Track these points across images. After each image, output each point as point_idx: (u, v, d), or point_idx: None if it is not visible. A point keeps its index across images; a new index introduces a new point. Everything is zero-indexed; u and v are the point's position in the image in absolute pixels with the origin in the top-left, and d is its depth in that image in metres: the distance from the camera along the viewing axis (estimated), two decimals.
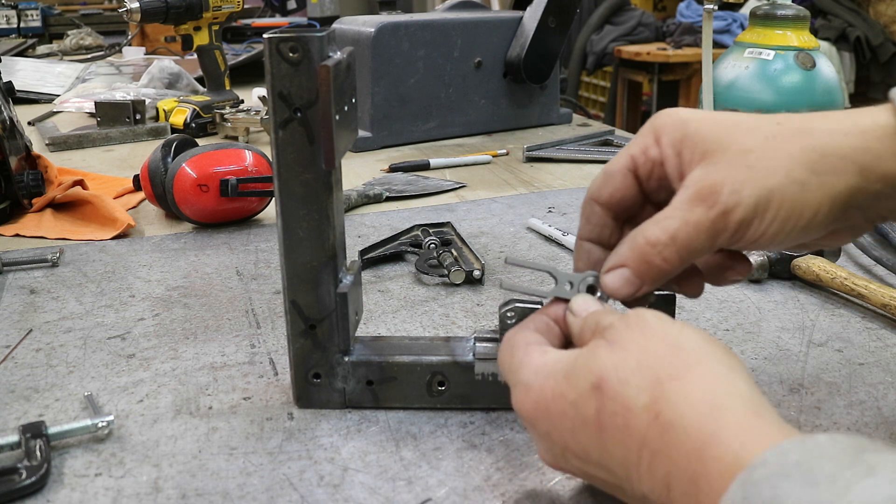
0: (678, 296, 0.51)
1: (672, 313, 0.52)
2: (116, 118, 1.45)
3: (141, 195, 1.04)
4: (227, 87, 1.55)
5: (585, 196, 0.48)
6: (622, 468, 0.37)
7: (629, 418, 0.36)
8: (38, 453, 0.48)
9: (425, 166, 1.19)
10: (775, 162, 0.41)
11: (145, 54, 2.52)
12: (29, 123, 1.54)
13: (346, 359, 0.53)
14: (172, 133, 1.44)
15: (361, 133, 1.31)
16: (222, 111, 1.40)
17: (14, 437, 0.49)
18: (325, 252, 0.51)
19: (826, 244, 0.47)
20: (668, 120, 0.44)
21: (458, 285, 0.76)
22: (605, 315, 0.42)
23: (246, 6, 1.64)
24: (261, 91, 1.65)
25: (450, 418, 0.53)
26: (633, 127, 4.02)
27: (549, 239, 0.88)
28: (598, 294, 0.47)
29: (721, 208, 0.41)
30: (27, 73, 1.99)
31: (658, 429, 0.35)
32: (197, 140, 1.03)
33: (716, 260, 0.48)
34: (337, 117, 0.48)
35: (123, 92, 1.62)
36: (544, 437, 0.41)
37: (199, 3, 1.44)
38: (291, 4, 3.28)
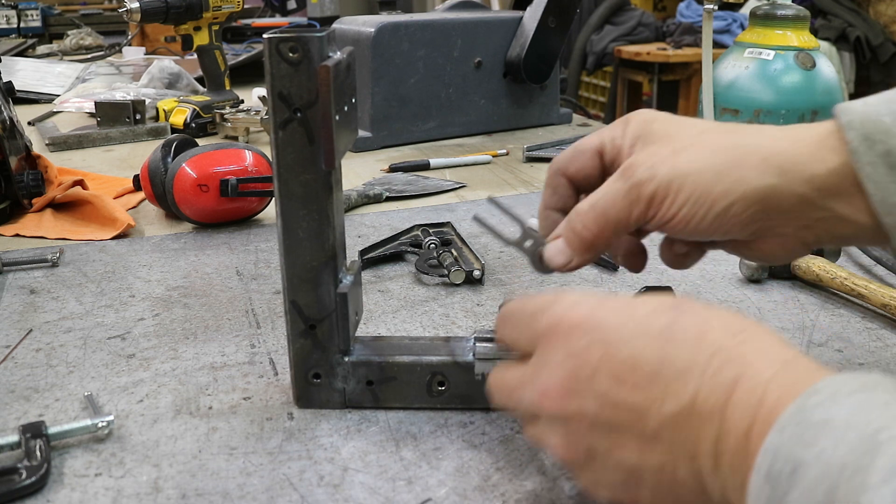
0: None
1: None
2: (116, 118, 1.45)
3: (141, 195, 1.04)
4: (227, 87, 1.55)
5: (552, 167, 0.51)
6: (676, 378, 0.35)
7: (706, 331, 0.36)
8: (38, 453, 0.48)
9: (425, 166, 1.19)
10: (699, 151, 0.44)
11: (145, 54, 2.52)
12: (29, 123, 1.54)
13: (346, 359, 0.53)
14: (172, 133, 1.44)
15: (361, 133, 1.31)
16: (222, 111, 1.40)
17: (14, 437, 0.49)
18: (325, 252, 0.51)
19: (759, 252, 0.48)
20: (639, 116, 0.48)
21: (458, 285, 0.76)
22: None
23: (246, 6, 1.64)
24: (261, 91, 1.65)
25: (450, 418, 0.53)
26: None
27: None
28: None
29: (635, 180, 0.45)
30: (27, 73, 1.99)
31: (737, 342, 0.35)
32: (197, 140, 1.03)
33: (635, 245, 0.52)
34: (337, 117, 0.48)
35: (123, 92, 1.62)
36: (577, 354, 0.38)
37: (199, 3, 1.44)
38: (291, 4, 3.28)
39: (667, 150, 0.45)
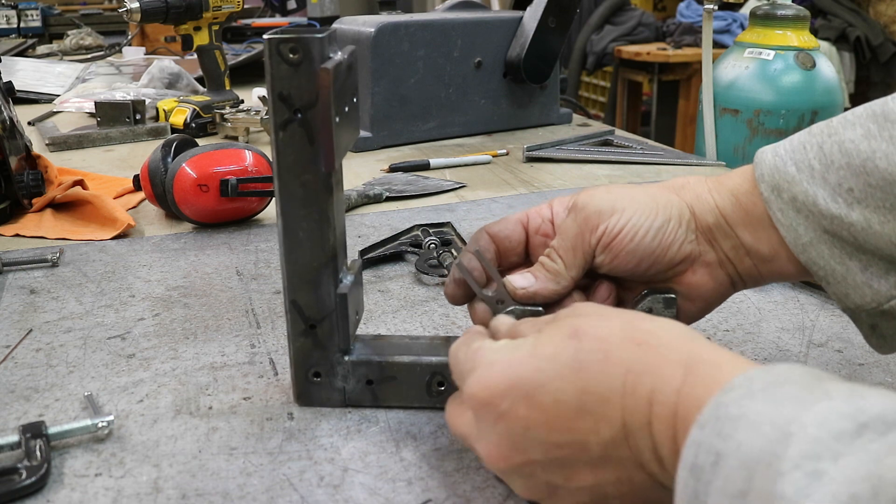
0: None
1: (673, 317, 0.52)
2: (116, 118, 1.45)
3: (141, 195, 1.04)
4: (227, 87, 1.55)
5: (479, 231, 0.56)
6: (601, 405, 0.37)
7: (609, 351, 0.38)
8: (38, 453, 0.48)
9: (425, 166, 1.19)
10: (628, 189, 0.52)
11: (145, 54, 2.52)
12: (29, 123, 1.54)
13: (347, 358, 0.53)
14: (172, 133, 1.44)
15: (361, 133, 1.31)
16: (222, 111, 1.40)
17: (14, 437, 0.49)
18: (325, 253, 0.51)
19: (691, 284, 0.51)
20: (561, 197, 0.55)
21: None
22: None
23: (246, 6, 1.65)
24: (261, 91, 1.65)
25: None
26: (633, 127, 4.02)
27: None
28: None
29: (580, 206, 0.51)
30: (27, 73, 1.99)
31: (641, 353, 0.38)
32: (197, 140, 1.03)
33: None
34: (337, 119, 0.48)
35: (123, 92, 1.62)
36: (504, 416, 0.40)
37: (199, 3, 1.44)
38: (291, 4, 3.28)
39: (601, 190, 0.52)
